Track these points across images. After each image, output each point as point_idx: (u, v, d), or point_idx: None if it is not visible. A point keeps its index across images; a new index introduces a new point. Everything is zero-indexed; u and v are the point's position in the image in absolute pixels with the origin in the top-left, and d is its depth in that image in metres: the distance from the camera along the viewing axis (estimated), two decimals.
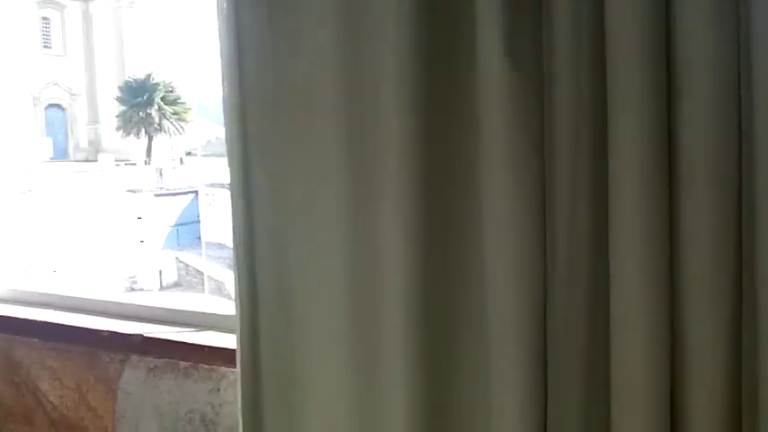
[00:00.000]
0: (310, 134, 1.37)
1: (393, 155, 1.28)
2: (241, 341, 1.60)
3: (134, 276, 21.77)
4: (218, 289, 22.99)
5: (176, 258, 23.22)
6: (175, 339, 2.17)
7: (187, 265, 23.22)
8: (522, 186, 1.20)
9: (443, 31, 1.23)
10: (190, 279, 23.07)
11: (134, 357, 2.22)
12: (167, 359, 2.17)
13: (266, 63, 1.39)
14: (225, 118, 1.46)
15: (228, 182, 1.49)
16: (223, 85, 1.44)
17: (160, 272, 22.32)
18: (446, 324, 1.34)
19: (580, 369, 1.24)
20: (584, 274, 1.23)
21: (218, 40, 1.42)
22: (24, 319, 2.39)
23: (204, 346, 2.10)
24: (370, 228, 1.33)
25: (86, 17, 31.37)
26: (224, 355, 2.02)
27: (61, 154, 30.19)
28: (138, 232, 22.50)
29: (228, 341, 2.03)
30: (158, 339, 2.18)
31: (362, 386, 1.43)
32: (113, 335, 2.24)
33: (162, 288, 22.30)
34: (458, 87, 1.24)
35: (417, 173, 1.27)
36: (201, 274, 22.96)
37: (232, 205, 1.53)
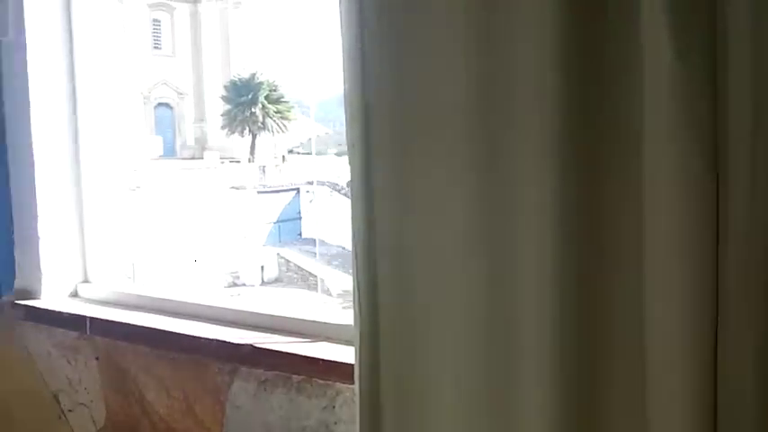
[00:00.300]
0: (439, 134, 1.28)
1: (534, 159, 1.19)
2: (360, 356, 1.49)
3: (236, 272, 22.20)
4: (319, 285, 23.20)
5: (277, 254, 23.56)
6: (288, 351, 2.00)
7: (288, 261, 23.52)
8: (692, 202, 1.07)
9: (592, 30, 1.13)
10: (290, 275, 23.35)
11: (243, 369, 2.06)
12: (279, 372, 2.00)
13: (391, 59, 1.31)
14: (346, 117, 1.39)
15: (348, 183, 1.46)
16: (344, 82, 1.37)
17: (262, 267, 22.67)
18: (596, 348, 1.21)
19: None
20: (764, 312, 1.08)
21: (339, 35, 1.36)
22: (131, 325, 2.27)
23: (319, 359, 1.92)
24: (507, 234, 1.24)
25: (194, 18, 32.20)
26: (340, 370, 1.84)
27: (169, 151, 31.07)
28: (241, 228, 22.94)
29: (345, 354, 1.87)
30: (269, 350, 2.02)
31: (497, 414, 1.30)
32: (222, 344, 2.09)
33: (263, 283, 22.65)
34: (610, 88, 1.14)
35: (563, 180, 1.17)
36: (302, 270, 23.26)
37: (352, 207, 1.46)
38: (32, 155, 2.49)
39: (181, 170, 23.92)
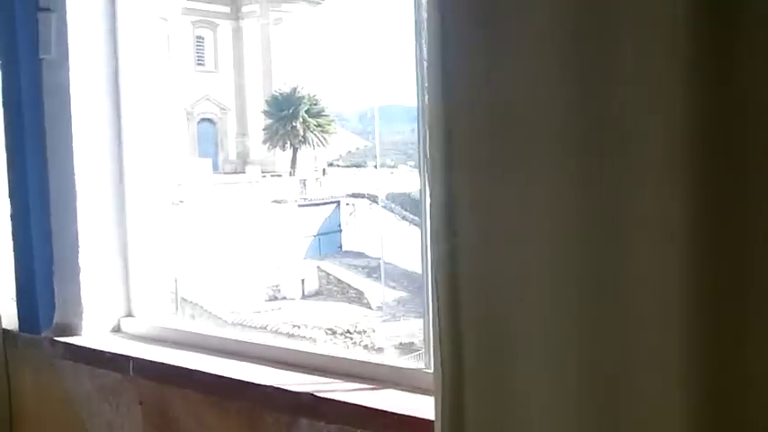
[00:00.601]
0: (533, 152, 1.16)
1: (652, 185, 1.06)
2: (442, 411, 1.30)
3: (277, 285, 22.07)
4: (358, 298, 23.04)
5: (318, 267, 23.43)
6: (352, 401, 1.76)
7: (328, 274, 23.36)
8: None
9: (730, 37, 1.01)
10: (331, 288, 23.19)
11: (303, 421, 1.82)
12: (342, 425, 1.76)
13: (480, 70, 1.20)
14: (428, 132, 1.28)
15: (428, 203, 1.30)
16: (426, 94, 1.27)
17: (302, 281, 22.54)
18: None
19: None
20: None
21: (419, 48, 1.39)
22: (177, 367, 2.04)
23: (388, 412, 1.68)
24: (615, 268, 1.10)
25: (237, 34, 32.40)
26: (414, 426, 1.59)
27: (212, 165, 31.24)
28: (282, 241, 22.86)
29: (419, 406, 1.63)
30: (332, 400, 1.78)
31: None
32: (279, 391, 1.85)
33: (304, 297, 22.50)
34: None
35: (691, 203, 1.04)
36: (341, 282, 23.09)
37: (432, 230, 1.32)
38: (74, 178, 2.29)
39: (223, 184, 23.94)
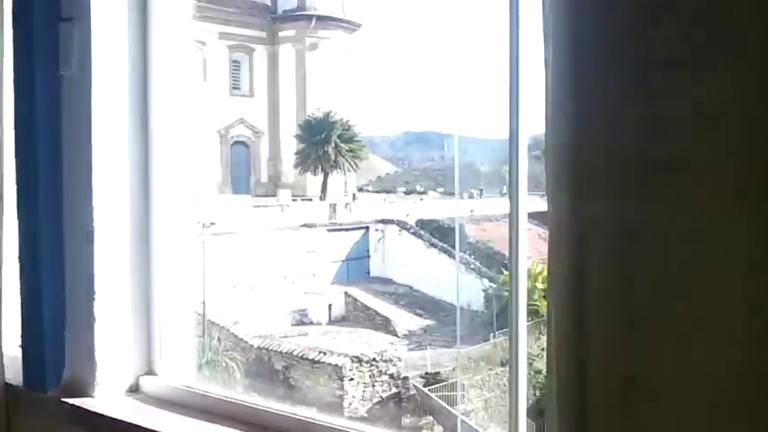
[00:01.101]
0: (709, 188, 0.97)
1: None
2: None
3: (304, 309, 21.72)
4: (385, 325, 22.62)
5: (345, 293, 23.06)
6: None
7: (355, 300, 22.99)
8: None
9: None
10: (357, 314, 22.79)
11: None
12: None
13: (625, 88, 1.04)
14: (549, 156, 1.13)
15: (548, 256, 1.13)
16: (548, 119, 1.12)
17: (329, 306, 22.20)
18: None
19: None
20: None
21: (545, 72, 1.14)
22: None
23: None
24: None
25: (272, 59, 32.43)
26: None
27: (243, 188, 31.14)
28: (310, 266, 22.60)
29: None
30: None
31: None
32: None
33: (330, 322, 22.13)
34: None
35: None
36: (368, 309, 22.70)
37: (551, 258, 1.13)
38: (92, 213, 1.95)
39: (254, 207, 23.76)
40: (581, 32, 1.10)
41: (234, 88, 31.73)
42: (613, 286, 1.06)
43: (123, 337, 2.01)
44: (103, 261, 1.97)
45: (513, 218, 1.38)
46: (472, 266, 22.53)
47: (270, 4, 32.92)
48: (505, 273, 21.27)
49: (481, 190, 40.76)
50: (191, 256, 2.20)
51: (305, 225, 23.55)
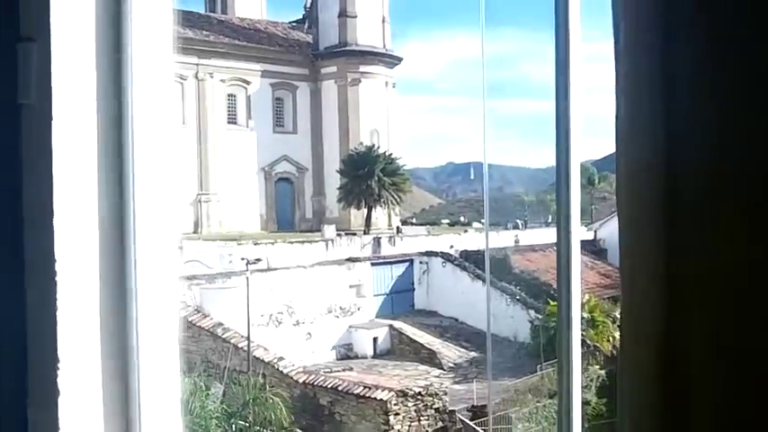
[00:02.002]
0: None
1: None
2: None
3: (349, 344, 21.30)
4: (430, 359, 22.13)
5: (390, 326, 22.62)
6: None
7: (401, 333, 22.51)
8: None
9: None
10: (402, 347, 22.31)
11: None
12: None
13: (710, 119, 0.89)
14: (621, 181, 0.97)
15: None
16: (621, 147, 0.96)
17: (374, 339, 21.77)
18: None
19: None
20: None
21: (622, 91, 0.96)
22: None
23: None
24: None
25: (315, 96, 32.57)
26: None
27: (288, 225, 31.13)
28: (355, 300, 22.25)
29: None
30: None
31: None
32: None
33: (375, 355, 21.70)
34: None
35: None
36: (414, 342, 22.22)
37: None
38: (53, 264, 1.61)
39: (299, 243, 23.61)
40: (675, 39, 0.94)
41: (277, 125, 31.89)
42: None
43: (92, 413, 1.66)
44: (70, 317, 1.63)
45: (562, 246, 1.22)
46: (518, 297, 22.00)
47: (312, 41, 33.15)
48: (552, 303, 20.72)
49: (525, 220, 40.33)
50: (177, 307, 1.85)
51: (349, 259, 23.33)
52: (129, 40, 1.75)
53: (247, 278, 17.03)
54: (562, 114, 1.27)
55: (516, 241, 29.73)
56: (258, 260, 20.16)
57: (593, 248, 29.82)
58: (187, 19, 31.46)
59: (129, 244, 1.71)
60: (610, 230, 30.99)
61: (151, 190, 1.77)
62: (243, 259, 17.61)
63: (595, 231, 31.80)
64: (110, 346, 1.68)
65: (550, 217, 45.72)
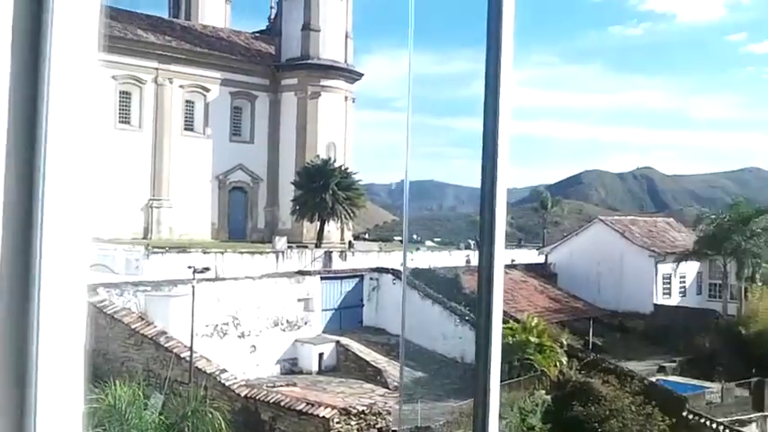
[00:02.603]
0: None
1: None
2: None
3: (294, 358, 20.91)
4: (376, 377, 21.86)
5: (337, 342, 22.27)
6: None
7: (347, 350, 22.18)
8: None
9: None
10: (348, 364, 21.97)
11: None
12: None
13: None
14: None
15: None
16: None
17: (320, 354, 21.41)
18: None
19: None
20: None
21: None
22: None
23: None
24: None
25: (274, 107, 32.35)
26: None
27: (239, 234, 30.74)
28: (303, 314, 21.96)
29: None
30: None
31: None
32: None
33: (321, 371, 21.35)
34: None
35: None
36: (360, 359, 21.91)
37: None
38: None
39: (249, 254, 23.30)
40: None
41: (234, 134, 31.54)
42: None
43: None
44: None
45: (483, 269, 1.21)
46: (467, 318, 21.99)
47: (274, 52, 32.97)
48: (504, 326, 20.81)
49: (477, 240, 40.40)
50: (84, 313, 1.76)
51: (299, 272, 23.10)
52: (49, 36, 1.68)
53: (193, 287, 16.70)
54: (489, 135, 1.22)
55: (468, 261, 29.77)
56: (206, 269, 19.79)
57: (543, 272, 30.06)
58: (150, 23, 31.01)
59: (36, 247, 1.63)
60: (561, 254, 31.34)
61: (63, 192, 1.69)
62: (189, 267, 17.28)
63: (546, 255, 32.07)
64: (5, 353, 1.59)
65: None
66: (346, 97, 32.66)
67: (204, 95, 30.75)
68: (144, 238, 26.74)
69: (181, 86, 29.78)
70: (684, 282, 29.84)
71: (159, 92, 29.09)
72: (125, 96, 28.51)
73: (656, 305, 27.84)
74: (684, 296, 29.68)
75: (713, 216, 29.33)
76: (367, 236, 44.03)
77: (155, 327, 16.93)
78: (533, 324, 20.71)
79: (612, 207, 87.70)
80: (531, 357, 19.17)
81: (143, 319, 17.21)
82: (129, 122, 28.58)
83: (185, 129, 30.03)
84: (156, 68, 28.97)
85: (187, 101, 30.14)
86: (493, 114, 1.26)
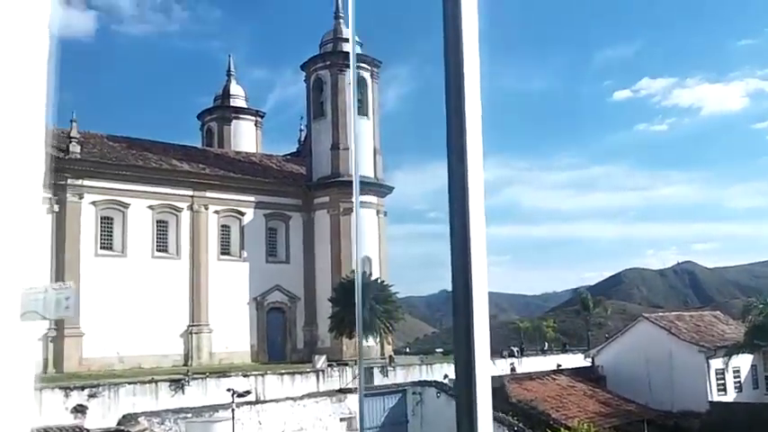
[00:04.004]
0: None
1: None
2: None
3: None
4: None
5: None
6: None
7: None
8: None
9: None
10: None
11: None
12: None
13: None
14: None
15: None
16: None
17: None
18: None
19: None
20: None
21: None
22: None
23: None
24: None
25: (308, 226, 32.71)
26: None
27: (279, 355, 30.46)
28: None
29: None
30: None
31: None
32: None
33: None
34: None
35: None
36: None
37: None
38: None
39: (290, 373, 22.99)
40: None
41: (270, 255, 31.80)
42: None
43: None
44: None
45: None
46: (516, 428, 21.23)
47: (305, 172, 33.65)
48: None
49: (522, 348, 39.63)
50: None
51: (340, 390, 22.67)
52: None
53: (233, 410, 16.46)
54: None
55: (512, 369, 29.06)
56: (247, 392, 19.54)
57: (591, 375, 29.09)
58: (185, 153, 32.01)
59: None
60: (608, 356, 30.43)
61: None
62: (229, 390, 17.09)
63: (593, 357, 31.19)
64: None
65: (546, 344, 45.18)
66: (378, 211, 32.96)
67: (239, 219, 31.27)
68: (184, 365, 26.60)
69: (216, 212, 30.35)
70: (739, 376, 28.65)
71: (195, 218, 29.65)
72: (162, 225, 29.08)
73: (711, 402, 26.64)
74: (741, 391, 28.42)
75: (761, 305, 28.46)
76: (408, 350, 43.34)
77: None
78: (585, 430, 19.97)
79: (656, 304, 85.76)
80: None
81: None
82: (166, 250, 29.01)
83: (222, 253, 30.37)
84: (192, 196, 29.66)
85: (223, 225, 30.64)
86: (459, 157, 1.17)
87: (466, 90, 1.11)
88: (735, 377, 28.44)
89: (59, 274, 24.91)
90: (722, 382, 27.87)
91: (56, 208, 26.17)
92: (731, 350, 27.12)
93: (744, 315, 29.89)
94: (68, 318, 24.16)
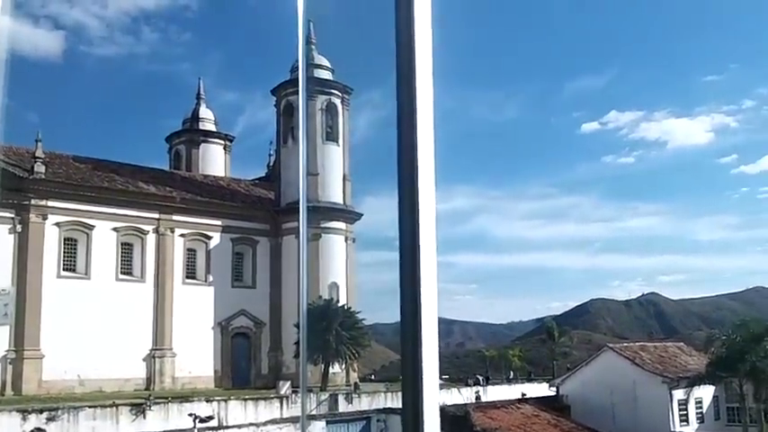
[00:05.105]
0: None
1: None
2: None
3: None
4: None
5: None
6: None
7: None
8: None
9: None
10: None
11: None
12: None
13: None
14: None
15: None
16: None
17: None
18: None
19: None
20: None
21: None
22: None
23: None
24: None
25: (275, 251, 32.62)
26: None
27: (243, 380, 30.20)
28: None
29: None
30: None
31: None
32: None
33: None
34: None
35: None
36: None
37: None
38: None
39: (254, 399, 22.81)
40: None
41: (236, 280, 31.64)
42: None
43: None
44: None
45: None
46: None
47: (273, 197, 33.61)
48: None
49: (487, 376, 39.65)
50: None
51: (310, 416, 22.51)
52: None
53: None
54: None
55: (477, 397, 29.12)
56: (210, 418, 19.38)
57: (556, 405, 29.20)
58: (152, 176, 31.81)
59: None
60: (572, 385, 30.58)
61: None
62: (191, 415, 16.93)
63: (558, 387, 31.31)
64: None
65: (511, 373, 45.24)
66: (346, 237, 33.03)
67: (206, 243, 31.11)
68: (147, 389, 26.25)
69: (182, 235, 30.17)
70: (701, 407, 28.98)
71: (161, 241, 29.44)
72: (127, 248, 28.81)
73: None
74: (702, 422, 28.74)
75: (723, 337, 28.88)
76: (373, 377, 43.15)
77: None
78: None
79: (621, 335, 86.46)
80: None
81: None
82: (131, 273, 28.72)
83: (187, 277, 30.15)
84: (158, 219, 29.47)
85: (189, 249, 30.45)
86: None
87: (418, 123, 1.16)
88: (697, 408, 28.75)
89: (20, 293, 24.56)
90: (684, 412, 28.16)
91: (18, 228, 25.82)
92: (694, 381, 27.43)
93: (707, 347, 30.30)
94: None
